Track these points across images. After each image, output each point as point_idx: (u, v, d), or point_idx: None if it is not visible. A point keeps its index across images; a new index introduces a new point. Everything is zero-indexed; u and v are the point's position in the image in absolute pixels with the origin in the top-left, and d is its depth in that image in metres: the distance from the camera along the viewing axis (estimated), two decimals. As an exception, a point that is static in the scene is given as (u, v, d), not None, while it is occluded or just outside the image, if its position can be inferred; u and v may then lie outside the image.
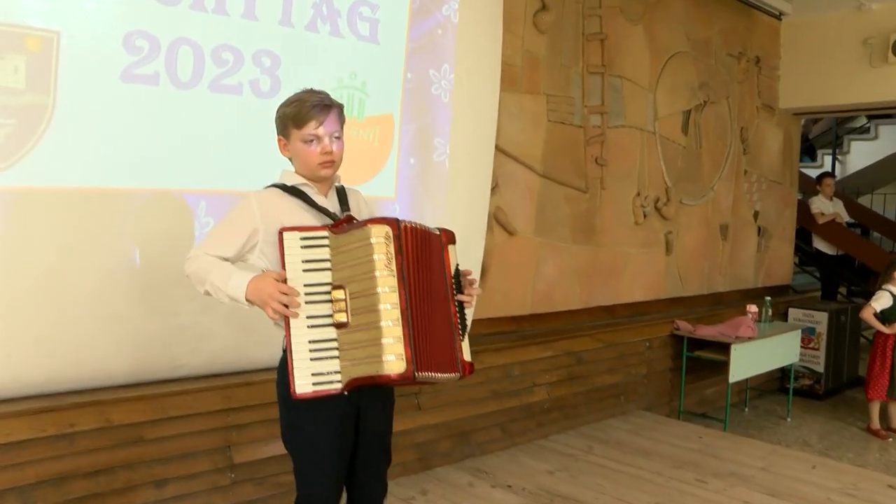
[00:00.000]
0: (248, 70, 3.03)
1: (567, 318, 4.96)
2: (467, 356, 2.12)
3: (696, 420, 5.36)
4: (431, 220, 3.81)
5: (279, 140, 2.19)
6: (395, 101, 3.57)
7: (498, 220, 4.41)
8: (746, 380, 5.79)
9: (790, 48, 6.61)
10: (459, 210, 3.92)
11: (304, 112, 2.10)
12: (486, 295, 4.30)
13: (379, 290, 1.97)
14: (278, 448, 3.24)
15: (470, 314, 2.24)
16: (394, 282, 1.98)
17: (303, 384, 2.00)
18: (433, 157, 3.79)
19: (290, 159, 2.21)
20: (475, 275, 4.07)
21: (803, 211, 7.28)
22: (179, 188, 2.90)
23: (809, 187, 7.88)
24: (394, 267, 1.99)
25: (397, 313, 1.98)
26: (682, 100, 5.72)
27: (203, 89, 2.91)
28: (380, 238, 1.99)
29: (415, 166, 3.72)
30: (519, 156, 4.50)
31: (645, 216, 5.45)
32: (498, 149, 4.24)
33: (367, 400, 2.17)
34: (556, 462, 4.09)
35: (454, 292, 2.14)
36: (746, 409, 5.93)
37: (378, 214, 2.24)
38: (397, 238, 2.01)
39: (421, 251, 2.07)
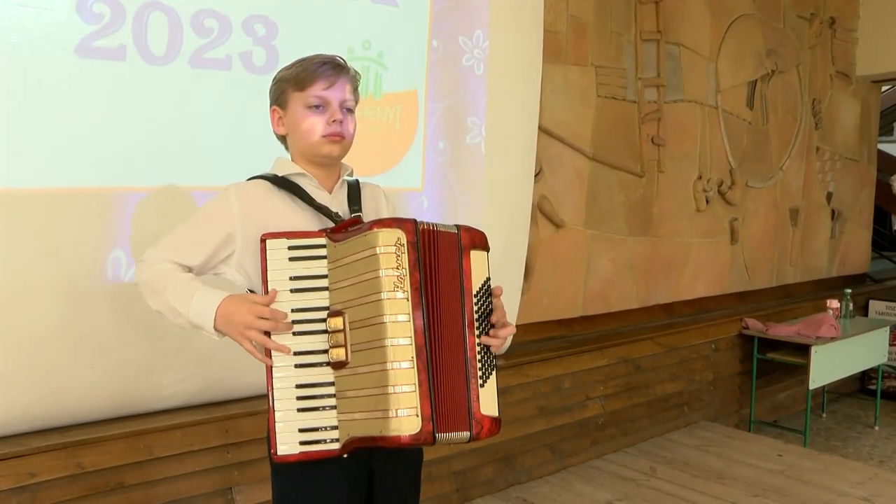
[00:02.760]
0: (238, 40, 2.51)
1: (622, 320, 4.40)
2: (489, 409, 1.53)
3: (768, 430, 4.77)
4: (465, 214, 3.28)
5: (272, 112, 1.72)
6: (419, 74, 3.02)
7: (543, 211, 3.85)
8: (824, 383, 5.18)
9: (871, 5, 5.86)
10: (499, 201, 3.38)
11: (309, 70, 1.64)
12: (531, 297, 3.77)
13: (386, 318, 1.46)
14: (289, 488, 2.78)
15: (507, 343, 1.64)
16: (407, 307, 1.47)
17: (286, 443, 1.51)
18: (466, 140, 3.24)
19: (284, 138, 1.73)
20: (518, 275, 3.55)
21: (883, 191, 6.56)
22: (157, 185, 2.39)
23: (886, 165, 7.13)
24: (408, 286, 1.47)
25: (411, 351, 1.46)
26: (748, 69, 5.07)
27: (182, 65, 2.40)
28: (388, 247, 1.47)
29: (445, 151, 3.18)
30: (566, 136, 3.93)
31: (707, 202, 4.84)
32: (541, 129, 3.68)
33: (382, 460, 1.65)
34: (614, 488, 3.54)
35: (474, 317, 1.56)
36: (824, 415, 5.31)
37: (402, 214, 1.70)
38: (414, 246, 1.49)
39: (437, 261, 1.54)
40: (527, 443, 3.63)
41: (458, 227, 1.58)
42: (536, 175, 3.69)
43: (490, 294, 1.60)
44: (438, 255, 1.53)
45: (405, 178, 3.05)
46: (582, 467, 3.80)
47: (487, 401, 1.54)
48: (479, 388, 1.53)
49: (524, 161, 3.52)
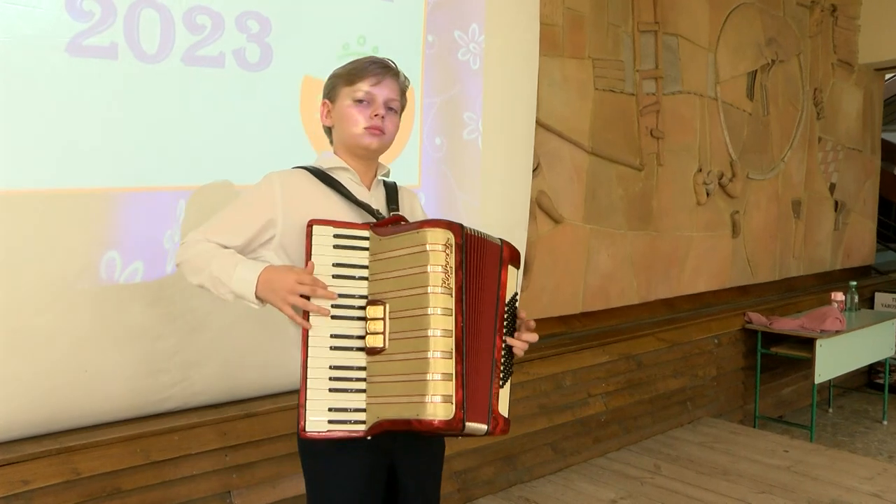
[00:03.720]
0: (231, 37, 2.47)
1: (623, 316, 4.35)
2: (503, 409, 1.65)
3: (774, 426, 4.72)
4: (464, 211, 3.25)
5: (323, 106, 1.83)
6: (414, 69, 2.98)
7: (541, 207, 3.81)
8: (829, 376, 5.13)
9: (875, -9, 5.81)
10: (497, 196, 3.34)
11: (360, 67, 1.77)
12: (531, 293, 3.73)
13: (430, 310, 1.55)
14: (288, 489, 2.74)
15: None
16: (450, 303, 1.56)
17: (315, 420, 1.57)
18: (463, 136, 3.20)
19: (330, 131, 1.84)
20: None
21: (887, 181, 6.51)
22: (151, 186, 2.36)
23: (890, 154, 7.06)
24: (452, 284, 1.57)
25: (450, 343, 1.55)
26: (747, 60, 5.02)
27: (175, 63, 2.36)
28: (437, 246, 1.57)
29: (442, 147, 3.14)
30: (563, 131, 3.88)
31: (708, 195, 4.79)
32: (539, 123, 3.64)
33: (405, 450, 1.73)
34: (618, 487, 3.50)
35: (503, 324, 1.67)
36: (831, 410, 5.26)
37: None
38: (460, 249, 1.59)
39: (480, 266, 1.65)
40: (528, 442, 3.59)
41: (501, 240, 1.70)
42: (534, 170, 3.65)
43: (516, 310, 1.72)
44: (482, 260, 1.64)
45: (402, 174, 2.99)
46: (584, 466, 3.76)
47: (503, 402, 1.65)
48: (500, 389, 1.64)
49: (522, 156, 3.48)
